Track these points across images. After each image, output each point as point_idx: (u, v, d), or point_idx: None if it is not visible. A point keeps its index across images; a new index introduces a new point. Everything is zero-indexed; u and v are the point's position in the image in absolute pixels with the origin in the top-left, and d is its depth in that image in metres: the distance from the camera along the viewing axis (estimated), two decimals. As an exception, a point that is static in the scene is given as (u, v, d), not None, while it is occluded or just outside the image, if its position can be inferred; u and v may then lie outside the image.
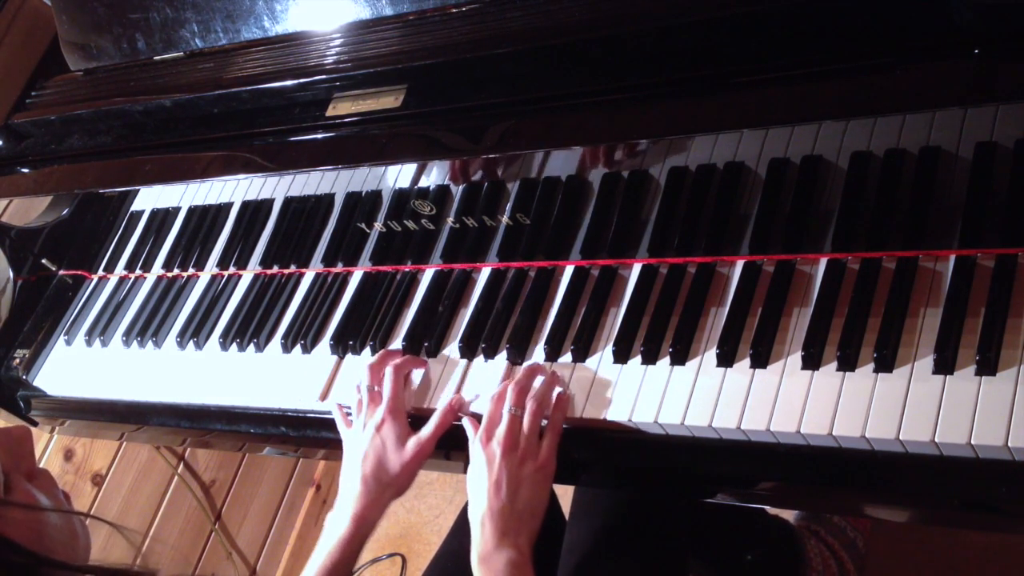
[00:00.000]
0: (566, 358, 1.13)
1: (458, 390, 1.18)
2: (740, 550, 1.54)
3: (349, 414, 1.20)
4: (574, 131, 1.06)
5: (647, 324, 1.10)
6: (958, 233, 0.98)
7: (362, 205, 1.32)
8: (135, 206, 1.60)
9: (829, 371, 0.98)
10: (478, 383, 1.17)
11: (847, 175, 1.02)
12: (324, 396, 1.26)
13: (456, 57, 1.09)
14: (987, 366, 0.90)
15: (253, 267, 1.47)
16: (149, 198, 1.58)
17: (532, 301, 1.20)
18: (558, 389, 1.10)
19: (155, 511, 1.99)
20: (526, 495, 1.04)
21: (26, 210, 1.63)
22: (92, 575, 0.64)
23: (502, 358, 1.18)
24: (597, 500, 1.28)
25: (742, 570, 1.54)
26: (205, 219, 1.51)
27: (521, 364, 1.16)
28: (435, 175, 1.24)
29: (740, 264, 1.10)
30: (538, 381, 1.10)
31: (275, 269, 1.45)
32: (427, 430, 1.13)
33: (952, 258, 0.99)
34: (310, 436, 1.31)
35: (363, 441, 1.14)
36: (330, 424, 1.25)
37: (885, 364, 0.95)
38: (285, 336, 1.36)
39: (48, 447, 1.79)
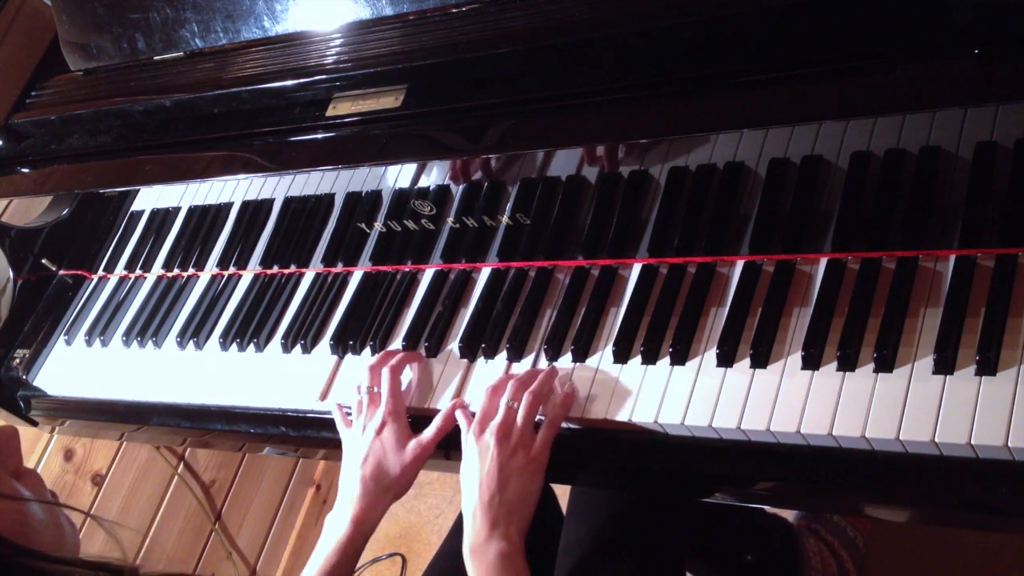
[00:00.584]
0: (566, 358, 1.13)
1: (458, 390, 1.18)
2: (740, 550, 1.54)
3: (349, 414, 1.20)
4: (574, 131, 1.06)
5: (647, 324, 1.10)
6: (958, 233, 0.98)
7: (362, 205, 1.32)
8: (135, 206, 1.60)
9: (829, 371, 0.98)
10: (477, 383, 1.17)
11: (847, 175, 1.02)
12: (324, 396, 1.26)
13: (456, 57, 1.09)
14: (987, 366, 0.90)
15: (253, 267, 1.47)
16: (149, 198, 1.58)
17: (532, 301, 1.20)
18: (563, 387, 1.10)
19: (155, 511, 1.99)
20: (517, 487, 1.04)
21: (26, 210, 1.63)
22: (71, 566, 0.64)
23: (502, 358, 1.18)
24: (595, 499, 1.28)
25: (742, 570, 1.54)
26: (205, 219, 1.51)
27: (520, 363, 1.16)
28: (435, 175, 1.24)
29: (740, 264, 1.10)
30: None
31: (275, 269, 1.45)
32: (428, 433, 1.13)
33: (952, 258, 0.99)
34: (310, 436, 1.31)
35: (363, 443, 1.14)
36: (330, 424, 1.25)
37: (885, 364, 0.95)
38: (285, 336, 1.36)
39: (48, 447, 1.79)
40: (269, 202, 1.43)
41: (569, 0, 1.04)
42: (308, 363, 1.32)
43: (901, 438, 0.90)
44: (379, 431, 1.14)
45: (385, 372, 1.17)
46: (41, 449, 1.78)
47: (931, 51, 0.85)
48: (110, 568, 0.66)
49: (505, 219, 1.21)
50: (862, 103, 0.90)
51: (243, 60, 1.25)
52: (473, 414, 1.11)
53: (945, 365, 0.92)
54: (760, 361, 1.01)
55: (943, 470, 0.90)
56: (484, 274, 1.27)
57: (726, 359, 1.03)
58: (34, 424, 1.57)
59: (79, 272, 1.64)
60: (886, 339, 0.96)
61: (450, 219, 1.25)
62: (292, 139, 1.20)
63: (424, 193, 1.25)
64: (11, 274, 1.58)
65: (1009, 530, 1.39)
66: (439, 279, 1.29)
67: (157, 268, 1.57)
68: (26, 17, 1.50)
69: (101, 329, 1.54)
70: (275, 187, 1.41)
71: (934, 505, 0.96)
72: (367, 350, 1.28)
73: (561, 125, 1.05)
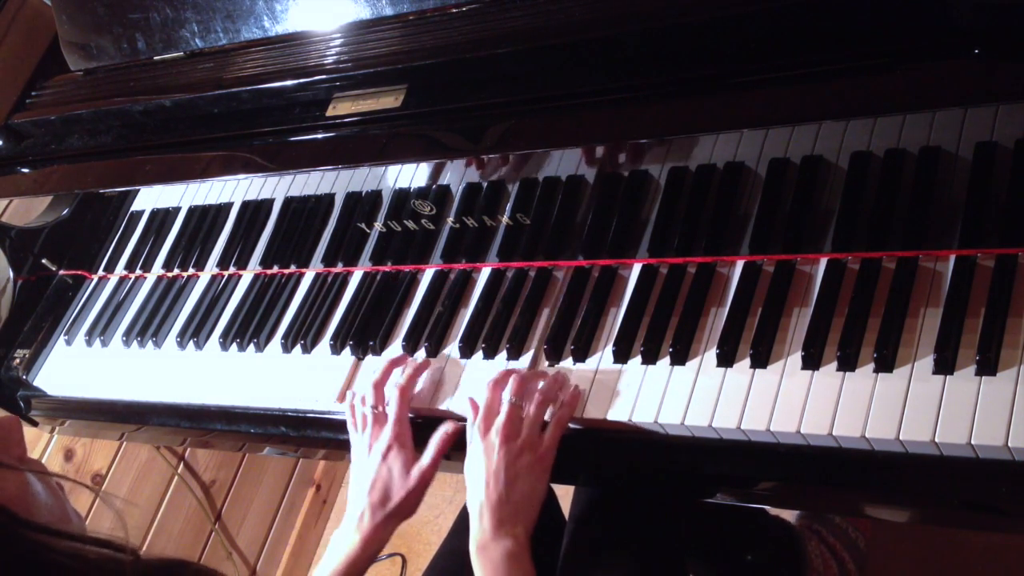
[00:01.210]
0: (566, 358, 1.13)
1: (456, 390, 1.18)
2: (740, 550, 1.54)
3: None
4: (574, 131, 1.06)
5: (647, 324, 1.10)
6: (958, 233, 0.98)
7: (362, 205, 1.32)
8: (135, 206, 1.60)
9: (829, 371, 0.98)
10: (477, 383, 1.17)
11: (847, 175, 1.02)
12: (341, 397, 1.25)
13: (456, 57, 1.09)
14: (987, 366, 0.90)
15: (253, 267, 1.47)
16: (149, 198, 1.58)
17: (532, 301, 1.20)
18: (570, 387, 1.10)
19: (155, 511, 1.99)
20: (524, 486, 1.04)
21: (26, 210, 1.63)
22: (72, 541, 0.64)
23: (502, 358, 1.18)
24: (597, 500, 1.28)
25: (742, 570, 1.54)
26: (205, 219, 1.51)
27: (520, 363, 1.16)
28: (435, 175, 1.24)
29: (740, 264, 1.10)
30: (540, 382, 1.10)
31: (275, 269, 1.45)
32: (427, 460, 1.13)
33: (952, 258, 0.98)
34: (310, 436, 1.31)
35: (370, 467, 1.14)
36: (330, 424, 1.26)
37: (885, 364, 0.95)
38: (285, 336, 1.36)
39: (48, 447, 1.78)
40: (269, 202, 1.43)
41: (569, 0, 1.04)
42: (308, 363, 1.32)
43: (901, 438, 0.90)
44: (385, 456, 1.13)
45: (395, 393, 1.16)
46: (41, 449, 1.77)
47: (931, 51, 0.85)
48: (113, 545, 0.66)
49: (505, 219, 1.21)
50: (862, 103, 0.90)
51: (243, 60, 1.25)
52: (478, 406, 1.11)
53: (945, 365, 0.92)
54: (760, 361, 1.01)
55: (943, 470, 0.90)
56: (484, 274, 1.27)
57: (726, 359, 1.03)
58: (34, 424, 1.57)
59: (79, 272, 1.64)
60: (886, 339, 0.96)
61: (450, 219, 1.25)
62: (292, 139, 1.20)
63: (424, 193, 1.25)
64: (11, 274, 1.58)
65: (1009, 530, 1.39)
66: (439, 279, 1.29)
67: (157, 268, 1.57)
68: (26, 17, 1.51)
69: (101, 329, 1.54)
70: (275, 187, 1.41)
71: (934, 505, 0.96)
72: (367, 350, 1.28)
73: (561, 125, 1.05)
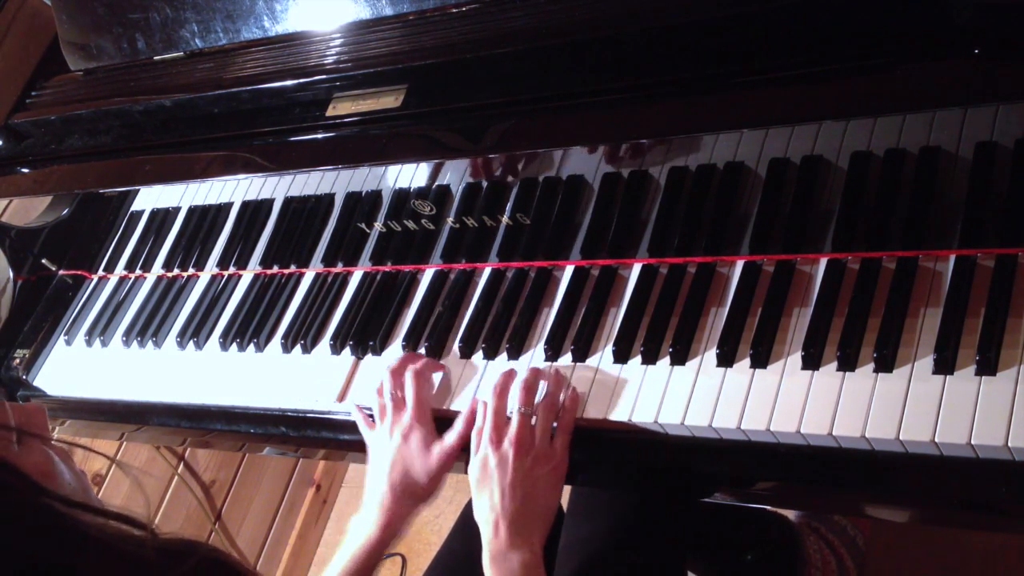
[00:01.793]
0: (566, 358, 1.13)
1: (457, 390, 1.18)
2: (740, 549, 1.54)
3: (370, 415, 1.20)
4: (574, 131, 1.06)
5: (647, 324, 1.10)
6: (958, 233, 0.98)
7: (362, 205, 1.32)
8: (135, 206, 1.60)
9: (829, 371, 0.98)
10: (477, 383, 1.17)
11: (847, 175, 1.02)
12: (341, 397, 1.25)
13: (456, 57, 1.09)
14: (987, 366, 0.90)
15: (253, 267, 1.47)
16: (149, 198, 1.58)
17: (532, 301, 1.20)
18: (569, 388, 1.10)
19: (155, 511, 1.99)
20: (540, 496, 1.04)
21: (26, 210, 1.63)
22: (92, 513, 0.64)
23: (502, 358, 1.18)
24: (595, 499, 1.28)
25: (743, 569, 1.54)
26: (205, 219, 1.51)
27: (520, 363, 1.16)
28: (435, 175, 1.24)
29: (740, 264, 1.10)
30: (542, 383, 1.10)
31: (275, 269, 1.45)
32: (451, 439, 1.12)
33: (952, 258, 0.99)
34: (310, 436, 1.31)
35: (390, 448, 1.13)
36: (330, 424, 1.26)
37: (885, 364, 0.95)
38: (285, 336, 1.36)
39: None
40: (269, 202, 1.43)
41: (569, 0, 1.04)
42: (308, 363, 1.32)
43: (901, 438, 0.90)
44: (406, 436, 1.13)
45: (410, 377, 1.16)
46: (41, 449, 1.77)
47: (931, 51, 0.85)
48: (133, 521, 0.67)
49: (505, 219, 1.21)
50: (862, 103, 0.90)
51: (243, 60, 1.25)
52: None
53: (945, 365, 0.92)
54: (760, 361, 1.01)
55: (943, 470, 0.90)
56: (484, 274, 1.27)
57: (726, 359, 1.03)
58: (35, 424, 1.57)
59: (79, 272, 1.64)
60: (886, 339, 0.96)
61: (450, 219, 1.25)
62: (292, 139, 1.20)
63: (424, 193, 1.25)
64: (11, 274, 1.58)
65: (1010, 530, 1.39)
66: (439, 279, 1.29)
67: (157, 268, 1.57)
68: (26, 17, 1.51)
69: (101, 329, 1.54)
70: (275, 187, 1.41)
71: (934, 505, 0.96)
72: (367, 351, 1.28)
73: (561, 125, 1.05)
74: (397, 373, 1.18)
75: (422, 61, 1.11)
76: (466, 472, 1.10)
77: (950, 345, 0.93)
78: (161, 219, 1.57)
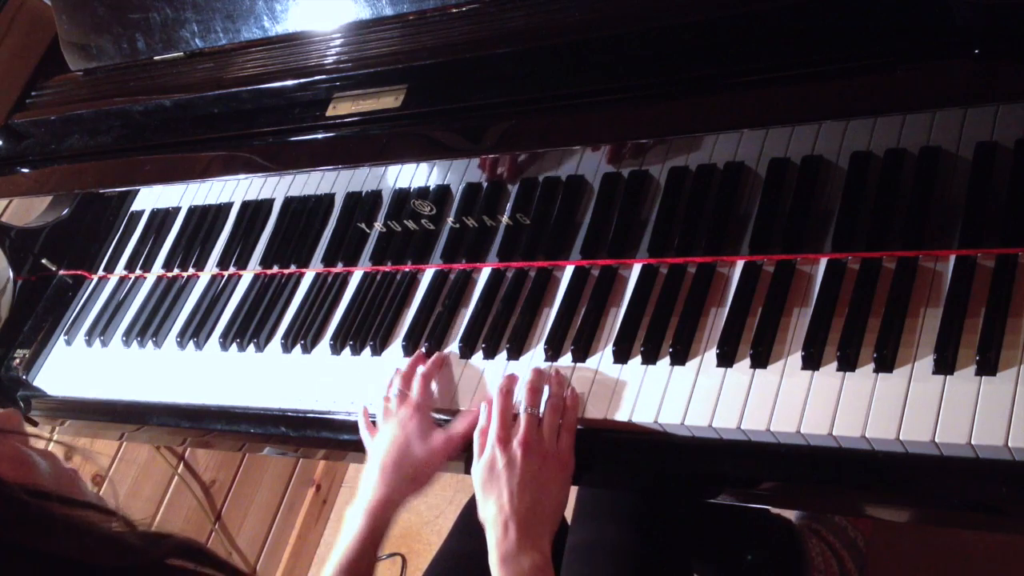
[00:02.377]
0: (566, 358, 1.13)
1: (457, 390, 1.18)
2: (741, 550, 1.54)
3: (374, 421, 1.19)
4: (574, 131, 1.06)
5: (647, 324, 1.10)
6: (958, 233, 0.98)
7: (362, 205, 1.32)
8: (135, 206, 1.60)
9: (829, 371, 0.98)
10: (477, 383, 1.17)
11: (847, 175, 1.02)
12: (341, 397, 1.25)
13: (456, 57, 1.09)
14: (987, 366, 0.90)
15: (253, 267, 1.47)
16: (149, 198, 1.58)
17: (532, 301, 1.20)
18: (569, 387, 1.10)
19: (155, 511, 1.99)
20: (549, 497, 1.04)
21: (26, 210, 1.63)
22: (61, 502, 0.65)
23: (502, 358, 1.18)
24: (599, 500, 1.28)
25: (743, 570, 1.54)
26: (205, 219, 1.51)
27: (519, 363, 1.16)
28: (435, 175, 1.24)
29: (740, 264, 1.10)
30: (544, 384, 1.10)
31: (275, 269, 1.45)
32: (453, 426, 1.12)
33: (952, 258, 0.98)
34: (310, 436, 1.31)
35: (387, 434, 1.13)
36: (330, 424, 1.26)
37: (885, 364, 0.95)
38: (285, 336, 1.36)
39: (48, 447, 1.78)
40: (269, 202, 1.43)
41: (569, 0, 1.04)
42: (308, 363, 1.32)
43: (901, 438, 0.90)
44: (404, 423, 1.13)
45: (418, 376, 1.17)
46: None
47: (931, 51, 0.85)
48: (108, 511, 0.68)
49: (505, 219, 1.21)
50: (862, 103, 0.90)
51: (243, 60, 1.25)
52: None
53: (945, 365, 0.92)
54: (760, 361, 1.01)
55: (943, 470, 0.90)
56: (484, 274, 1.27)
57: (726, 359, 1.03)
58: (34, 424, 1.57)
59: (79, 272, 1.64)
60: (886, 339, 0.96)
61: (450, 219, 1.25)
62: (292, 139, 1.20)
63: (424, 193, 1.25)
64: (11, 274, 1.58)
65: (1009, 530, 1.39)
66: (439, 279, 1.29)
67: (157, 268, 1.57)
68: (26, 17, 1.50)
69: (101, 329, 1.54)
70: (275, 187, 1.41)
71: (934, 505, 0.96)
72: (367, 350, 1.28)
73: (561, 125, 1.05)
74: (407, 377, 1.18)
75: (422, 61, 1.11)
76: (467, 472, 1.10)
77: (950, 345, 0.93)
78: (161, 219, 1.57)
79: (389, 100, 1.13)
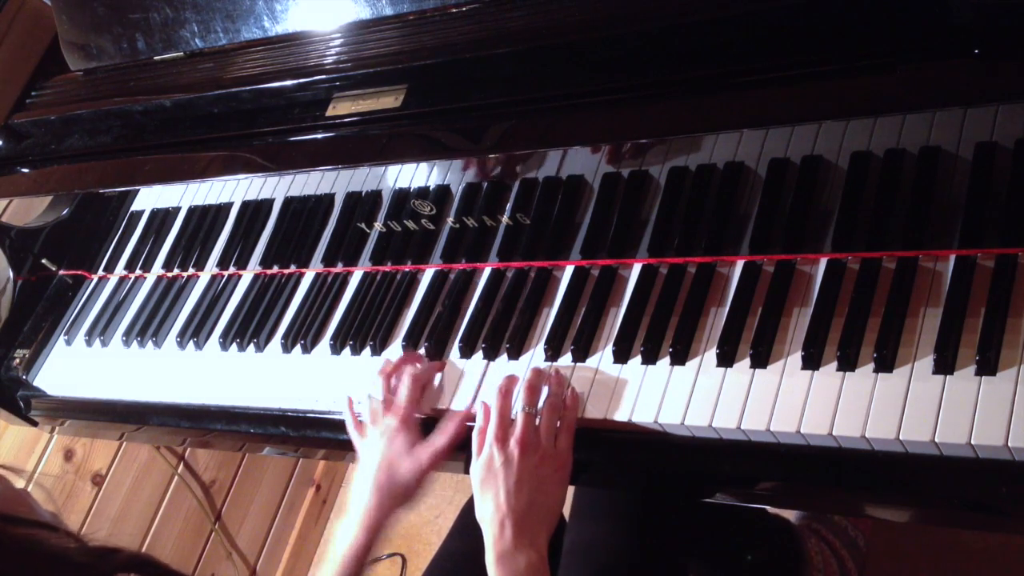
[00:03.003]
0: (566, 358, 1.13)
1: (456, 390, 1.18)
2: (740, 550, 1.54)
3: (361, 420, 1.19)
4: (574, 131, 1.06)
5: (647, 324, 1.10)
6: (958, 233, 0.98)
7: (362, 205, 1.32)
8: (135, 206, 1.60)
9: (829, 371, 0.98)
10: (477, 383, 1.17)
11: (847, 175, 1.02)
12: (341, 397, 1.25)
13: (456, 57, 1.09)
14: (987, 366, 0.90)
15: (253, 267, 1.47)
16: (149, 198, 1.58)
17: (532, 301, 1.20)
18: (569, 387, 1.10)
19: (155, 511, 1.99)
20: (546, 496, 1.04)
21: (26, 210, 1.63)
22: (12, 523, 0.66)
23: (502, 358, 1.18)
24: (597, 500, 1.28)
25: (743, 570, 1.54)
26: (205, 219, 1.51)
27: (519, 363, 1.16)
28: (435, 175, 1.24)
29: (740, 264, 1.10)
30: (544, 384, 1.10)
31: (275, 269, 1.45)
32: (437, 439, 1.12)
33: (952, 258, 0.98)
34: (310, 436, 1.31)
35: (376, 450, 1.13)
36: (330, 424, 1.25)
37: (885, 364, 0.95)
38: (285, 336, 1.36)
39: (48, 447, 1.78)
40: (269, 202, 1.43)
41: (569, 0, 1.04)
42: (308, 363, 1.32)
43: (901, 438, 0.90)
44: (391, 438, 1.13)
45: (406, 379, 1.16)
46: (41, 449, 1.78)
47: (931, 51, 0.85)
48: (60, 530, 0.68)
49: (505, 219, 1.21)
50: (862, 103, 0.90)
51: (243, 60, 1.25)
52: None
53: (945, 365, 0.92)
54: (760, 361, 1.01)
55: (943, 470, 0.90)
56: (484, 274, 1.27)
57: (726, 359, 1.03)
58: (34, 424, 1.57)
59: (79, 272, 1.64)
60: (886, 339, 0.96)
61: (450, 219, 1.25)
62: (292, 139, 1.20)
63: (424, 193, 1.25)
64: (11, 274, 1.58)
65: (1009, 530, 1.39)
66: (439, 279, 1.29)
67: (157, 268, 1.57)
68: (26, 17, 1.50)
69: (101, 329, 1.54)
70: (275, 187, 1.41)
71: (934, 505, 0.96)
72: (367, 350, 1.28)
73: (561, 125, 1.05)
74: (390, 376, 1.18)
75: (422, 61, 1.11)
76: (466, 472, 1.10)
77: (950, 345, 0.93)
78: (161, 219, 1.57)
79: (389, 100, 1.13)
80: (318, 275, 1.40)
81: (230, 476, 2.15)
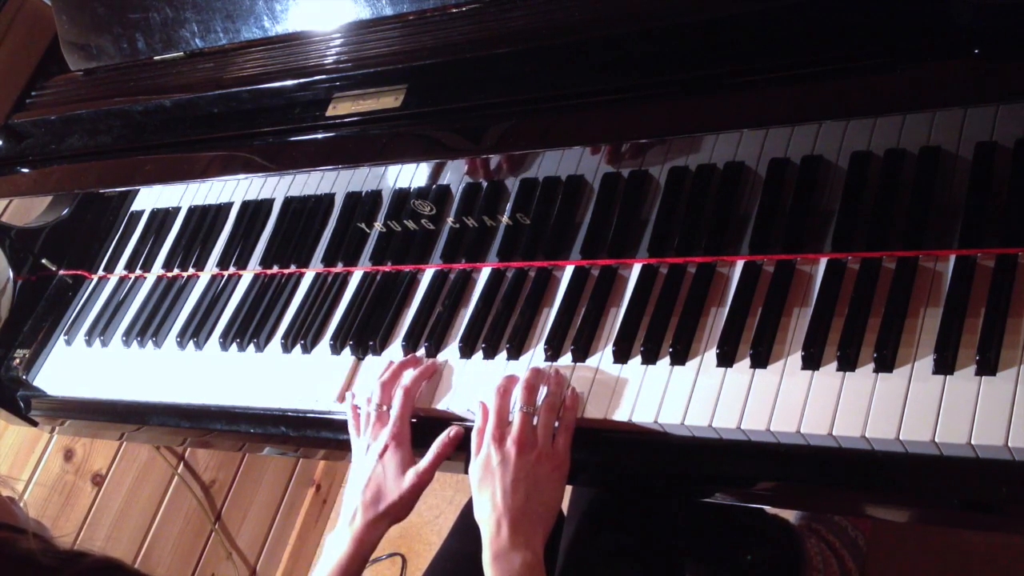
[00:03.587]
0: (566, 358, 1.13)
1: (456, 391, 1.18)
2: (740, 550, 1.54)
3: (358, 418, 1.20)
4: (574, 131, 1.06)
5: (647, 324, 1.10)
6: (958, 233, 0.98)
7: (362, 205, 1.32)
8: (135, 206, 1.60)
9: (829, 371, 0.98)
10: (477, 383, 1.17)
11: (847, 175, 1.02)
12: (341, 397, 1.25)
13: (456, 57, 1.09)
14: (987, 366, 0.90)
15: (253, 267, 1.47)
16: (149, 198, 1.58)
17: (532, 301, 1.20)
18: (569, 387, 1.10)
19: (155, 511, 1.99)
20: (543, 496, 1.04)
21: (26, 210, 1.63)
22: None
23: (502, 358, 1.18)
24: (596, 500, 1.28)
25: (743, 570, 1.54)
26: (205, 219, 1.51)
27: (519, 363, 1.16)
28: (435, 175, 1.24)
29: (740, 264, 1.10)
30: (543, 384, 1.10)
31: (275, 269, 1.45)
32: (425, 462, 1.13)
33: (952, 258, 0.99)
34: (310, 436, 1.31)
35: (366, 467, 1.14)
36: (330, 424, 1.26)
37: (885, 364, 0.95)
38: (285, 336, 1.36)
39: (48, 447, 1.78)
40: (269, 202, 1.43)
41: (569, 0, 1.04)
42: (308, 363, 1.32)
43: (901, 438, 0.90)
44: (381, 456, 1.13)
45: (399, 393, 1.16)
46: (41, 449, 1.77)
47: (931, 51, 0.85)
48: (26, 532, 0.69)
49: (505, 219, 1.21)
50: (862, 103, 0.90)
51: (243, 60, 1.25)
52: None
53: (945, 365, 0.92)
54: (760, 361, 1.01)
55: (943, 470, 0.90)
56: (484, 274, 1.27)
57: (726, 359, 1.03)
58: (34, 424, 1.57)
59: (79, 272, 1.64)
60: (886, 339, 0.96)
61: (450, 219, 1.25)
62: (292, 139, 1.20)
63: (424, 193, 1.25)
64: (11, 274, 1.58)
65: (1009, 530, 1.39)
66: (439, 279, 1.29)
67: (157, 268, 1.57)
68: (26, 17, 1.51)
69: (101, 329, 1.54)
70: (275, 187, 1.41)
71: (934, 505, 0.96)
72: (367, 350, 1.28)
73: (561, 125, 1.05)
74: (387, 385, 1.18)
75: (422, 61, 1.11)
76: (466, 472, 1.10)
77: (950, 345, 0.93)
78: (161, 219, 1.57)
79: (389, 100, 1.13)
80: (318, 275, 1.40)
81: (230, 476, 2.15)
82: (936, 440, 0.89)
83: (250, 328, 1.39)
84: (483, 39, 1.07)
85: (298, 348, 1.34)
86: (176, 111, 1.30)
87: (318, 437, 1.29)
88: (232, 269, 1.49)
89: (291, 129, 1.20)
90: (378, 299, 1.32)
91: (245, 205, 1.46)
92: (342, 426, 1.22)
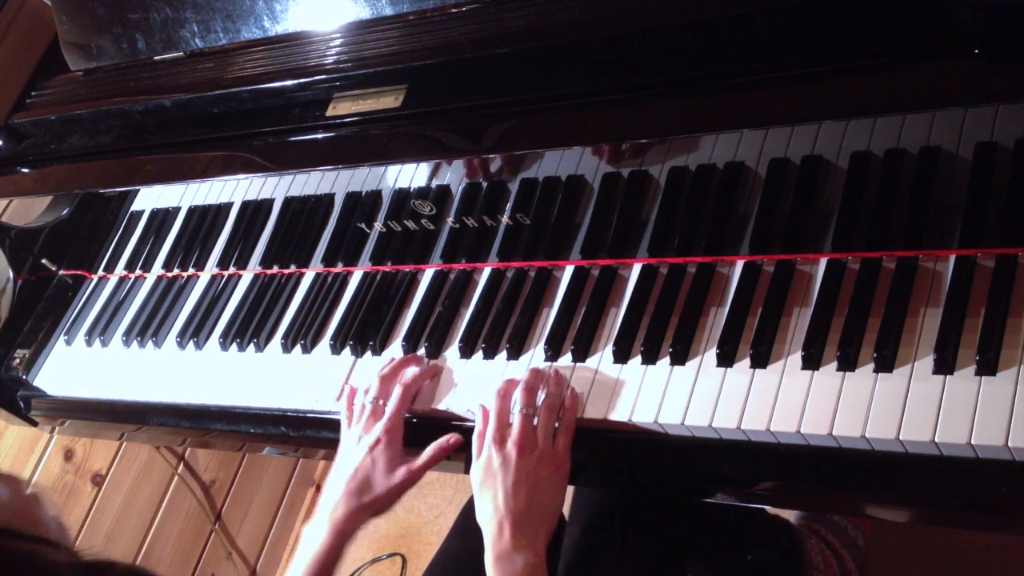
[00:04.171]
0: (566, 358, 1.13)
1: (456, 391, 1.18)
2: (740, 550, 1.54)
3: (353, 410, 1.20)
4: (574, 131, 1.06)
5: (647, 324, 1.10)
6: (958, 233, 0.98)
7: (362, 205, 1.32)
8: (135, 206, 1.60)
9: (829, 371, 0.98)
10: (476, 383, 1.17)
11: (847, 175, 1.02)
12: (341, 397, 1.25)
13: (456, 57, 1.09)
14: (987, 366, 0.90)
15: (253, 267, 1.47)
16: (149, 198, 1.58)
17: (532, 301, 1.20)
18: (568, 388, 1.10)
19: (155, 511, 1.99)
20: (544, 497, 1.04)
21: (26, 210, 1.63)
22: (11, 538, 0.66)
23: (502, 358, 1.18)
24: (597, 500, 1.28)
25: (743, 570, 1.54)
26: (205, 219, 1.51)
27: (519, 363, 1.16)
28: (435, 175, 1.24)
29: (740, 264, 1.10)
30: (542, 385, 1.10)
31: (275, 269, 1.45)
32: (419, 462, 1.13)
33: (952, 258, 0.99)
34: (310, 436, 1.31)
35: (355, 456, 1.14)
36: (330, 424, 1.25)
37: (885, 364, 0.95)
38: (285, 336, 1.36)
39: (48, 447, 1.79)
40: (269, 202, 1.43)
41: (569, 0, 1.04)
42: (308, 363, 1.32)
43: (901, 438, 0.90)
44: (372, 448, 1.13)
45: (398, 389, 1.16)
46: (41, 449, 1.78)
47: (931, 51, 0.85)
48: (55, 544, 0.68)
49: (505, 219, 1.21)
50: (862, 103, 0.90)
51: (243, 60, 1.25)
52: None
53: (945, 365, 0.92)
54: (760, 361, 1.01)
55: (943, 470, 0.90)
56: (484, 274, 1.27)
57: (726, 359, 1.03)
58: (34, 424, 1.57)
59: (79, 272, 1.64)
60: (886, 339, 0.96)
61: (450, 219, 1.25)
62: (292, 139, 1.20)
63: (424, 193, 1.25)
64: (11, 274, 1.58)
65: (1009, 530, 1.39)
66: (439, 279, 1.29)
67: (157, 268, 1.57)
68: (26, 17, 1.50)
69: (101, 329, 1.54)
70: (275, 187, 1.41)
71: (934, 505, 0.96)
72: (367, 350, 1.28)
73: (561, 125, 1.05)
74: (387, 380, 1.18)
75: (422, 61, 1.11)
76: (467, 474, 1.10)
77: (950, 345, 0.93)
78: (161, 219, 1.57)
79: (389, 100, 1.13)
80: (318, 275, 1.40)
81: (230, 476, 2.16)
82: (936, 440, 0.89)
83: (250, 328, 1.39)
84: (483, 39, 1.07)
85: (298, 348, 1.34)
86: (176, 111, 1.30)
87: (318, 437, 1.29)
88: (232, 269, 1.49)
89: (291, 129, 1.20)
90: (378, 299, 1.32)
91: (245, 205, 1.46)
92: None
